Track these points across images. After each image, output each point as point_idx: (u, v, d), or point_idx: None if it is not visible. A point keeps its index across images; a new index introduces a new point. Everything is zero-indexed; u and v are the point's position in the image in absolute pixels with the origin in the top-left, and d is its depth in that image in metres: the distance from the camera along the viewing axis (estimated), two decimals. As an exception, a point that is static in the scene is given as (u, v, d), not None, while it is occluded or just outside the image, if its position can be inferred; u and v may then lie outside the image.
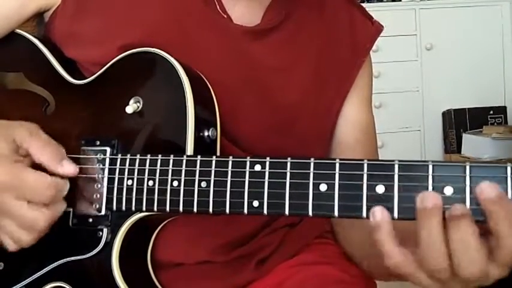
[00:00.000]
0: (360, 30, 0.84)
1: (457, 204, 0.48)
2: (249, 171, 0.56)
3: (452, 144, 3.09)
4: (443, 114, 3.15)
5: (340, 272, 0.77)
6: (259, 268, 0.78)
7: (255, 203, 0.55)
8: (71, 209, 0.66)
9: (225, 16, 0.76)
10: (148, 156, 0.63)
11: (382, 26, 0.86)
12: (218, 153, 0.66)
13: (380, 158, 0.85)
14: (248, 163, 0.56)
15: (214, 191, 0.58)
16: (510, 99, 3.15)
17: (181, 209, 0.59)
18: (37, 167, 0.62)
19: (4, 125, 0.64)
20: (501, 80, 3.18)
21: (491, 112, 3.11)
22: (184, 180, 0.59)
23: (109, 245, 0.65)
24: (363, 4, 3.20)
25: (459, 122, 3.08)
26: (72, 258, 0.66)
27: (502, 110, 3.13)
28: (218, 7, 0.75)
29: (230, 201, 0.57)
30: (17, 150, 0.62)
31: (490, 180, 0.47)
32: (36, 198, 0.60)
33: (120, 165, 0.65)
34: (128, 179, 0.63)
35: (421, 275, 0.51)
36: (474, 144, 2.86)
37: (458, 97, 3.11)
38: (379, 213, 0.50)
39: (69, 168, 0.63)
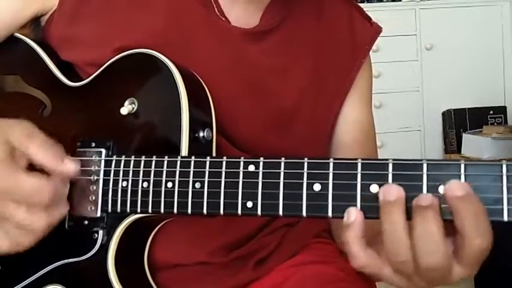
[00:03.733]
0: (359, 31, 0.84)
1: (425, 194, 0.48)
2: (243, 172, 0.56)
3: (452, 144, 3.09)
4: (443, 114, 3.15)
5: (339, 271, 0.77)
6: (257, 268, 0.78)
7: (249, 204, 0.55)
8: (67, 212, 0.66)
9: (223, 18, 0.76)
10: (143, 158, 0.62)
11: (381, 27, 0.86)
12: (214, 154, 0.66)
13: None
14: (242, 163, 0.56)
15: (208, 192, 0.57)
16: (510, 99, 3.15)
17: (175, 210, 0.59)
18: (33, 167, 0.60)
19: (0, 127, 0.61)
20: (501, 80, 3.18)
21: (491, 112, 3.11)
22: (179, 181, 0.59)
23: (105, 247, 0.64)
24: (363, 4, 3.18)
25: (459, 122, 3.07)
26: (68, 260, 0.66)
27: (502, 110, 3.13)
28: (216, 9, 0.75)
29: (224, 203, 0.57)
30: (12, 152, 0.59)
31: (485, 178, 0.47)
32: (34, 203, 0.58)
33: (115, 166, 0.64)
34: (122, 180, 0.63)
35: (387, 271, 0.51)
36: (474, 144, 2.86)
37: (458, 97, 3.11)
38: (353, 214, 0.50)
39: (70, 166, 0.60)
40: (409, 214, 0.49)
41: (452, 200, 0.47)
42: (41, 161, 0.59)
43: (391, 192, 0.49)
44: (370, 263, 0.51)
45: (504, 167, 0.46)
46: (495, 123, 3.06)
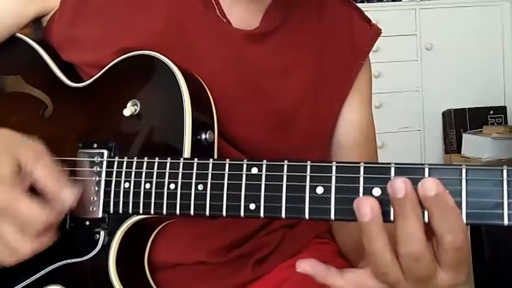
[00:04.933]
0: (359, 33, 0.85)
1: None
2: (246, 174, 0.56)
3: (452, 144, 3.09)
4: (443, 114, 3.16)
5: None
6: (257, 268, 0.78)
7: (252, 206, 0.55)
8: (68, 212, 0.66)
9: (225, 20, 0.76)
10: (146, 159, 0.62)
11: (381, 29, 0.87)
12: (216, 156, 0.66)
13: (380, 158, 0.86)
14: (245, 166, 0.56)
15: (211, 194, 0.58)
16: (510, 99, 3.16)
17: (178, 212, 0.59)
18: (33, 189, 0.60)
19: (11, 143, 0.61)
20: (501, 80, 3.18)
21: (491, 112, 3.11)
22: (181, 183, 0.59)
23: (106, 247, 0.64)
24: (363, 4, 3.18)
25: (459, 122, 3.08)
26: (69, 261, 0.66)
27: (502, 110, 3.13)
28: (217, 11, 0.76)
29: (227, 205, 0.57)
30: (18, 172, 0.59)
31: (486, 183, 0.47)
32: (27, 229, 0.58)
33: (117, 168, 0.64)
34: (125, 181, 0.63)
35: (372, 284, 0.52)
36: (474, 144, 2.86)
37: (458, 97, 3.11)
38: (305, 265, 0.52)
39: (69, 196, 0.60)
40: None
41: (424, 199, 0.47)
42: (46, 188, 0.60)
43: (363, 213, 0.49)
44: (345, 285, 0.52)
45: (505, 172, 0.47)
46: (495, 123, 3.06)
